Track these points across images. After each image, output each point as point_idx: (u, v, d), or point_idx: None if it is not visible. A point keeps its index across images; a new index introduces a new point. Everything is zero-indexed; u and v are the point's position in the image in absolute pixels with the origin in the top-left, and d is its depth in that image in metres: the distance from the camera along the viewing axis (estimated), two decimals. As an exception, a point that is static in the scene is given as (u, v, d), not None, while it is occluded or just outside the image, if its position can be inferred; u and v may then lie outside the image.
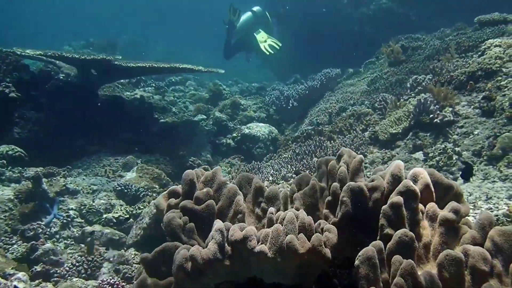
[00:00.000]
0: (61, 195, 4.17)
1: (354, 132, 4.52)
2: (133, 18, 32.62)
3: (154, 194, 4.59)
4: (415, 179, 1.93)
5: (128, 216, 3.92)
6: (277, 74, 14.40)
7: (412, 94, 4.52)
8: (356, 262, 1.66)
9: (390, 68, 6.03)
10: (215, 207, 2.23)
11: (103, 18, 34.39)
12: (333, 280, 1.95)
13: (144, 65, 5.07)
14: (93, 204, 4.10)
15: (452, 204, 1.79)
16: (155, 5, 37.53)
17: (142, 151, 5.62)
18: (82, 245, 3.53)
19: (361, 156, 2.29)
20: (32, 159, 4.65)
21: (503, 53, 4.10)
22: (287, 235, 1.79)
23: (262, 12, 8.31)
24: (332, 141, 4.53)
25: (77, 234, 3.74)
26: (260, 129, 6.50)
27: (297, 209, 2.24)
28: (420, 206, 1.85)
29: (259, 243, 1.88)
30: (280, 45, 7.60)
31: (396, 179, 1.94)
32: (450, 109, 3.82)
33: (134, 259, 3.45)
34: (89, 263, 3.20)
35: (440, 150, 3.40)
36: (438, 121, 3.70)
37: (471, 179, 3.04)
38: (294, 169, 4.17)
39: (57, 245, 3.48)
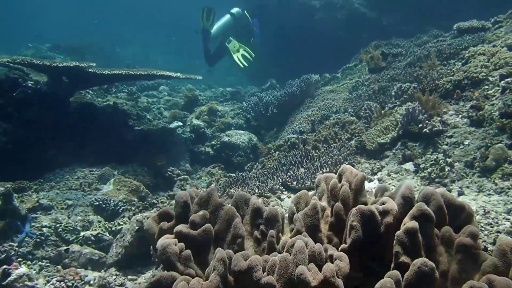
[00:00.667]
0: (34, 212, 3.91)
1: (340, 141, 4.44)
2: (96, 21, 31.92)
3: (133, 208, 4.38)
4: (427, 201, 1.84)
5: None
6: (248, 77, 14.31)
7: (397, 102, 4.48)
8: (375, 296, 1.54)
9: (371, 75, 5.99)
10: (213, 231, 2.08)
11: (66, 21, 33.60)
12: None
13: (120, 72, 4.84)
14: (69, 221, 3.85)
15: (470, 228, 1.71)
16: (118, 8, 37.05)
17: (118, 161, 5.38)
18: (59, 267, 3.30)
19: (363, 174, 2.19)
20: (0, 173, 4.35)
21: (487, 61, 4.11)
22: (297, 266, 1.66)
23: (242, 14, 8.14)
24: (317, 150, 4.44)
25: (52, 254, 3.50)
26: (239, 136, 6.35)
27: (299, 231, 2.12)
28: (435, 230, 1.76)
29: (265, 273, 1.75)
30: (253, 55, 7.30)
31: (407, 202, 1.85)
32: (439, 118, 3.78)
33: (115, 281, 3.24)
34: (69, 288, 2.98)
35: (431, 161, 3.35)
36: (427, 131, 3.66)
37: (465, 192, 3.00)
38: (280, 180, 4.05)
39: (31, 267, 3.24)
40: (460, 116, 3.77)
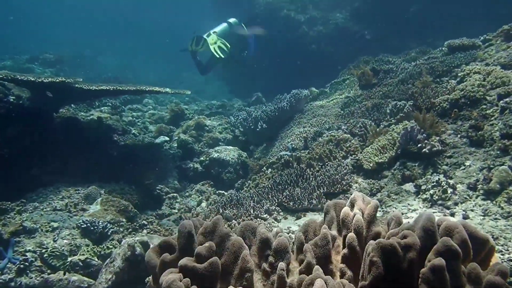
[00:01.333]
0: (16, 235, 3.69)
1: (336, 159, 4.36)
2: (75, 32, 31.58)
3: (121, 229, 4.20)
4: (449, 234, 1.74)
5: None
6: (232, 89, 14.28)
7: (393, 121, 4.43)
8: None
9: (363, 91, 5.96)
10: (220, 264, 1.95)
11: (43, 32, 33.17)
12: None
13: (108, 88, 4.66)
14: (55, 245, 3.65)
15: (499, 266, 1.62)
16: (98, 18, 36.83)
17: (104, 178, 5.18)
18: (45, 296, 3.10)
19: (376, 201, 2.10)
20: (-20, 193, 4.13)
21: (483, 80, 4.10)
22: (318, 308, 1.55)
23: (238, 23, 8.19)
24: (312, 169, 4.34)
25: (36, 281, 3.30)
26: (229, 152, 6.22)
27: (309, 264, 2.00)
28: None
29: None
30: (229, 46, 7.56)
31: (429, 235, 1.75)
32: (437, 137, 3.74)
33: (106, 311, 3.06)
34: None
35: (433, 182, 3.28)
36: (427, 151, 3.60)
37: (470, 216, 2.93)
38: (276, 200, 3.93)
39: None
40: (459, 135, 3.73)
